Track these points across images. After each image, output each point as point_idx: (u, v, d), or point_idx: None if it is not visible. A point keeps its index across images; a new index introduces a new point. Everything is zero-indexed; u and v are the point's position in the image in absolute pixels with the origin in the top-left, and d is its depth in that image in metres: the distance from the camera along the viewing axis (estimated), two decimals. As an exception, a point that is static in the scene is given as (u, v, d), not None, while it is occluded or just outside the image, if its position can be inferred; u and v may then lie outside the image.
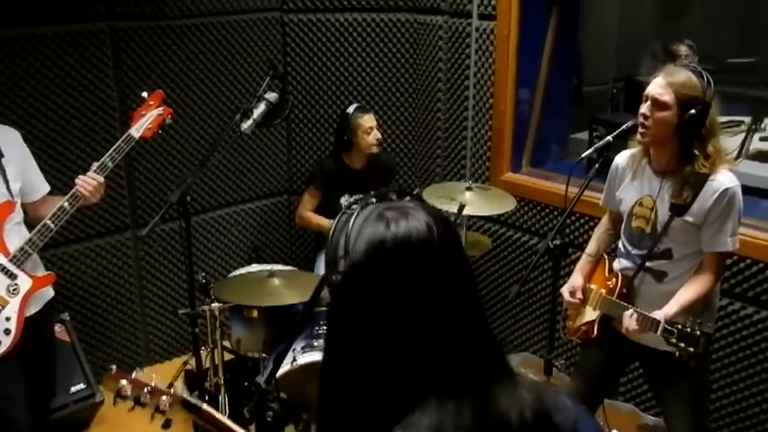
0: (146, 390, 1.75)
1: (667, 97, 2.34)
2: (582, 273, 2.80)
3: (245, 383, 3.35)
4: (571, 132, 4.53)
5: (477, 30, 3.82)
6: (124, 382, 1.75)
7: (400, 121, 4.37)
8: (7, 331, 2.56)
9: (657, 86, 2.36)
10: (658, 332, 2.35)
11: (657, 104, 2.36)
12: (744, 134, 3.91)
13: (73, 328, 3.58)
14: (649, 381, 2.97)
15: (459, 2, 3.85)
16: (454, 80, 4.01)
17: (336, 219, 1.06)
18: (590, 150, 2.66)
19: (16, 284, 2.60)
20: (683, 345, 2.29)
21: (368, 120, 3.82)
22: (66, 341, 3.51)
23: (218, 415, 1.71)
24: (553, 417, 1.00)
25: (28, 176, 2.76)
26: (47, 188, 2.85)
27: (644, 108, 2.39)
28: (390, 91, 4.32)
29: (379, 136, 3.85)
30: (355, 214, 1.03)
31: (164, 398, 1.74)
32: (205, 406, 1.72)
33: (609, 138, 2.59)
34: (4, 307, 2.57)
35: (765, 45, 4.99)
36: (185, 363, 3.73)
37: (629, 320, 2.46)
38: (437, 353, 0.98)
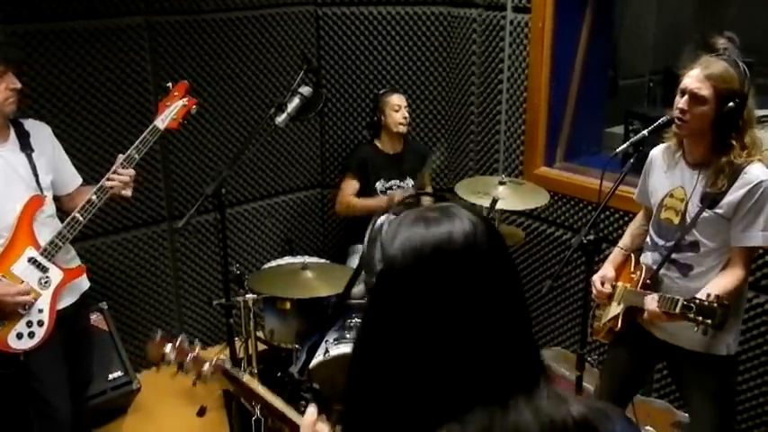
0: (189, 357, 1.75)
1: (706, 92, 2.30)
2: (613, 264, 2.78)
3: (278, 374, 3.38)
4: (606, 126, 4.48)
5: (511, 23, 3.79)
6: (168, 347, 1.76)
7: (433, 114, 4.37)
8: (41, 323, 2.61)
9: (696, 81, 2.32)
10: (677, 309, 2.30)
11: (696, 99, 2.32)
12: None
13: (110, 317, 3.65)
14: (674, 380, 2.94)
15: (493, -5, 3.83)
16: (488, 73, 3.99)
17: (372, 221, 1.03)
18: (625, 145, 2.62)
19: (47, 277, 2.64)
20: (700, 318, 2.24)
21: (396, 98, 3.92)
22: (104, 330, 3.58)
23: (257, 386, 1.71)
24: (598, 429, 0.96)
25: (59, 170, 2.80)
26: (79, 180, 2.91)
27: (682, 103, 2.35)
28: (424, 84, 4.32)
29: (407, 115, 3.92)
30: (391, 217, 1.00)
31: (206, 366, 1.74)
32: (246, 377, 1.73)
33: (644, 132, 2.54)
34: (36, 299, 2.60)
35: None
36: (219, 353, 3.80)
37: (651, 302, 2.43)
38: (478, 361, 0.93)
